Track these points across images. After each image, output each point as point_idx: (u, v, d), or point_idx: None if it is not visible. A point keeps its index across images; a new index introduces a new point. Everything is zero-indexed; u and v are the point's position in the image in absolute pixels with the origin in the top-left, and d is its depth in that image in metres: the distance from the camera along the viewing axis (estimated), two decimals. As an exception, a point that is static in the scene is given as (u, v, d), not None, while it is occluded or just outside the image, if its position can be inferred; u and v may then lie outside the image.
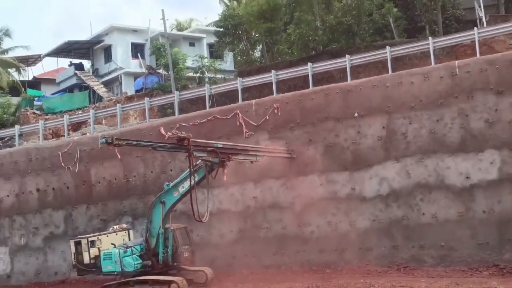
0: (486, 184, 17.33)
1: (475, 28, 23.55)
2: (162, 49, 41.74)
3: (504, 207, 17.05)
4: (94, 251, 19.75)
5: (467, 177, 17.63)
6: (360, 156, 19.34)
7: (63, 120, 30.83)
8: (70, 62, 51.18)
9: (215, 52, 44.91)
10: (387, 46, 24.09)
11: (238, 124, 21.40)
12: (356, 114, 19.50)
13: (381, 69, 23.91)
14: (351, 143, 19.52)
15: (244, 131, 21.21)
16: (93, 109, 33.12)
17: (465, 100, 17.85)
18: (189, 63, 41.67)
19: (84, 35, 54.22)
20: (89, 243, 19.92)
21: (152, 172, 22.95)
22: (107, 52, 47.48)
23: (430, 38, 24.08)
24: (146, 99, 29.31)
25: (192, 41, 47.79)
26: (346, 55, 24.76)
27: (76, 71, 48.49)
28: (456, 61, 18.89)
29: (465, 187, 17.64)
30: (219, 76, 40.61)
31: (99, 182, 24.22)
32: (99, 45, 47.92)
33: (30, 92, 49.58)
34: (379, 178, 18.97)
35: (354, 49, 28.14)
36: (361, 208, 19.13)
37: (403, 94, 18.83)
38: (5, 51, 50.85)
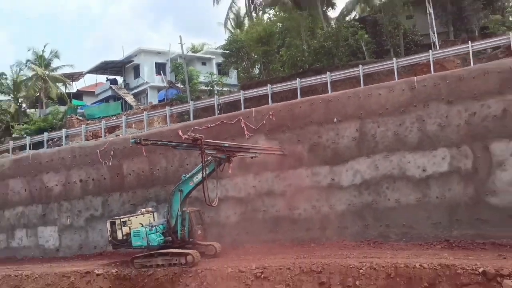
0: (439, 176, 17.34)
1: (430, 50, 23.56)
2: (180, 68, 41.70)
3: (453, 193, 17.06)
4: (125, 230, 19.78)
5: (424, 170, 17.63)
6: (338, 153, 19.32)
7: (101, 124, 30.86)
8: (107, 78, 51.14)
9: (222, 70, 44.86)
10: (359, 65, 24.09)
11: (241, 127, 21.40)
12: (335, 120, 19.48)
13: (355, 83, 23.86)
14: (331, 143, 19.50)
15: (246, 133, 21.20)
16: (125, 115, 33.10)
17: (422, 108, 17.84)
18: (201, 78, 41.59)
19: (117, 56, 54.31)
20: (122, 223, 19.95)
21: (172, 166, 22.95)
22: (136, 70, 47.42)
23: (394, 58, 24.09)
24: (167, 107, 29.32)
25: (204, 61, 47.72)
26: (327, 72, 24.76)
27: (111, 85, 48.39)
28: (415, 77, 18.86)
29: (422, 178, 17.64)
30: (225, 89, 40.57)
31: (130, 174, 24.22)
32: (129, 64, 47.86)
33: (74, 102, 49.54)
34: (353, 170, 18.96)
35: (334, 68, 28.08)
36: (339, 195, 19.12)
37: (372, 104, 18.81)
38: (55, 69, 50.84)
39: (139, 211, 21.28)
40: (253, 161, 19.94)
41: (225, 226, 21.11)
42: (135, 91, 46.90)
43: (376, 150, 18.56)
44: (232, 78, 44.58)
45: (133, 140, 17.95)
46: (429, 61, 22.51)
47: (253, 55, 38.24)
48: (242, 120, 21.41)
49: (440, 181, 17.28)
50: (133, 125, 32.18)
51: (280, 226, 19.90)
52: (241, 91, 27.57)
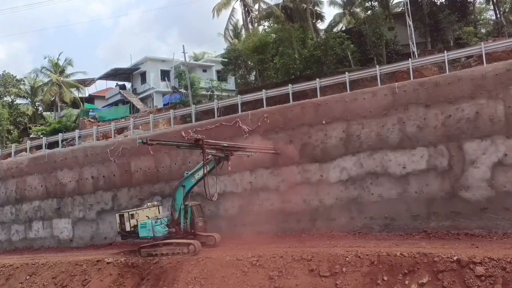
0: (418, 172, 17.36)
1: (410, 59, 23.57)
2: (183, 74, 41.54)
3: (430, 189, 17.09)
4: (133, 222, 19.72)
5: (404, 167, 17.65)
6: (326, 152, 19.33)
7: (111, 126, 30.76)
8: (116, 83, 50.97)
9: (221, 76, 44.75)
10: (346, 72, 24.07)
11: (238, 128, 21.35)
12: (323, 121, 19.48)
13: (342, 89, 23.85)
14: (320, 142, 19.50)
15: (243, 134, 21.15)
16: (132, 118, 32.97)
17: (402, 111, 17.86)
18: (202, 84, 41.46)
19: (126, 64, 54.07)
20: (130, 215, 19.89)
21: (175, 164, 22.90)
22: (143, 76, 47.27)
23: (377, 66, 24.12)
24: (171, 110, 29.26)
25: (205, 68, 47.61)
26: (317, 78, 24.73)
27: (120, 90, 48.25)
28: (396, 83, 18.89)
29: (403, 174, 17.66)
30: (224, 93, 40.49)
31: (137, 171, 24.16)
32: (137, 71, 47.68)
33: (87, 105, 49.37)
34: (340, 168, 18.96)
35: (322, 74, 28.02)
36: (327, 189, 19.12)
37: (357, 107, 18.82)
38: (69, 75, 50.69)
39: (146, 205, 21.24)
40: (250, 159, 19.92)
41: (224, 218, 21.10)
42: (142, 95, 46.79)
43: (361, 149, 18.57)
44: (231, 84, 44.54)
45: (140, 140, 17.88)
46: (409, 68, 22.53)
47: (249, 63, 38.22)
48: (240, 122, 21.38)
49: (418, 178, 17.31)
50: (140, 127, 32.09)
51: (274, 218, 19.86)
52: (239, 95, 27.52)
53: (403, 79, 22.32)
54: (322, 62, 31.03)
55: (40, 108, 52.84)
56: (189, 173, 18.74)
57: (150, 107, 44.36)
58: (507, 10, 38.41)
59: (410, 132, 17.62)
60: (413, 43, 29.16)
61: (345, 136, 18.94)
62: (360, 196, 18.41)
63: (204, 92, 41.22)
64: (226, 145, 18.35)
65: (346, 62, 31.75)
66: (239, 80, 41.31)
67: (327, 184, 19.12)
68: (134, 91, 48.17)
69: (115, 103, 48.48)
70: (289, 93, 24.60)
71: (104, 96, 52.18)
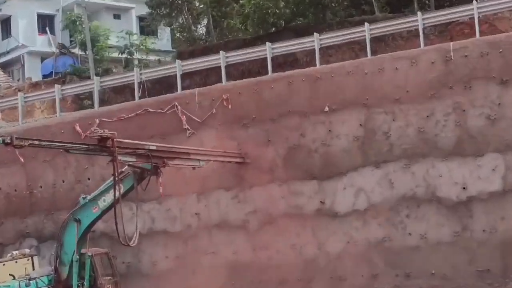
0: (487, 196, 17.57)
1: (474, 1, 24.03)
2: (78, 22, 41.20)
3: (509, 225, 17.29)
4: (-14, 285, 19.33)
5: (464, 188, 17.88)
6: (331, 161, 19.46)
7: None
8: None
9: (147, 27, 44.65)
10: (365, 23, 24.28)
11: (177, 119, 21.30)
12: (326, 108, 19.61)
13: (358, 52, 24.13)
14: (320, 145, 19.62)
15: (186, 128, 21.07)
16: (-15, 99, 32.40)
17: (461, 91, 18.13)
18: (113, 40, 41.24)
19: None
20: (-20, 274, 19.48)
21: (64, 181, 22.63)
22: (5, 25, 46.66)
23: (419, 13, 24.36)
24: (57, 86, 28.81)
25: (118, 13, 47.34)
26: (314, 33, 24.82)
27: (-38, 49, 47.58)
28: (451, 43, 19.19)
29: (462, 200, 17.87)
30: (152, 58, 40.40)
31: (-6, 195, 23.76)
32: (-6, 16, 47.12)
33: None
34: (355, 188, 19.11)
35: (325, 26, 28.24)
36: (333, 226, 19.24)
37: (385, 84, 19.03)
38: None
39: (9, 255, 20.83)
40: (197, 173, 19.82)
41: (150, 277, 21.04)
42: (4, 59, 46.12)
43: (390, 156, 18.79)
44: (164, 40, 44.49)
45: (1, 139, 17.56)
46: (473, 18, 22.93)
47: (197, 4, 38.18)
48: (179, 108, 21.35)
49: (489, 205, 17.59)
50: (0, 115, 31.54)
51: (239, 277, 19.90)
52: (178, 61, 27.39)
53: (462, 36, 22.72)
54: (325, 5, 31.30)
55: None
56: (89, 197, 18.49)
57: (18, 79, 43.73)
58: None
59: (474, 127, 17.92)
60: (479, -25, 29.77)
61: (364, 133, 19.13)
62: (389, 238, 18.61)
63: (116, 55, 40.98)
64: (154, 148, 18.21)
65: (366, 5, 32.15)
66: (178, 35, 41.24)
67: (331, 217, 19.27)
68: (-11, 51, 47.46)
69: (-45, 73, 47.59)
70: (266, 58, 24.65)
71: None
